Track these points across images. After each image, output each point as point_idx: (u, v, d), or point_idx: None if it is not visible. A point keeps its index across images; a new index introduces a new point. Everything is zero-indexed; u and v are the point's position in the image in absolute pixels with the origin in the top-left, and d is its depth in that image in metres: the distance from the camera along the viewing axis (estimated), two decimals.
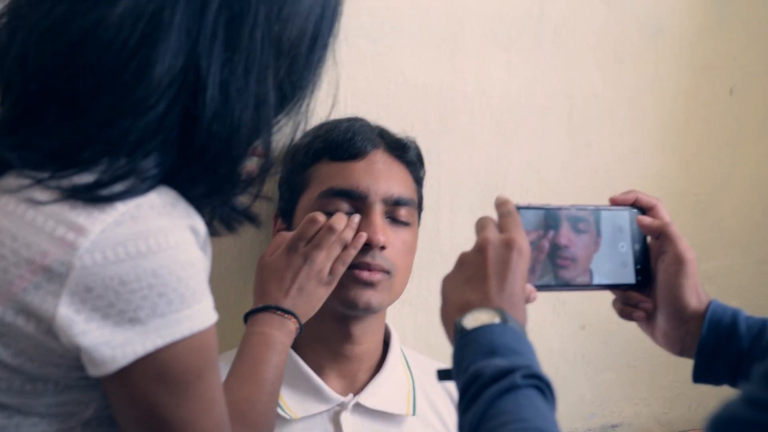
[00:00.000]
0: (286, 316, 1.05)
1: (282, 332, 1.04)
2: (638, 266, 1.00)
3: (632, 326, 1.05)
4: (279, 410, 1.14)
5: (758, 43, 1.59)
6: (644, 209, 1.01)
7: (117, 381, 0.75)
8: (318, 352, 1.20)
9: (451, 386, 1.23)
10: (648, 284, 1.00)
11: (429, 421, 1.24)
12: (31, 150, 0.73)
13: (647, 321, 1.01)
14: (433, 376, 1.22)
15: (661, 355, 1.54)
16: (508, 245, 0.85)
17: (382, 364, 1.24)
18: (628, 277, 1.00)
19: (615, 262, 0.99)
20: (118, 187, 0.73)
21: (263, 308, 1.05)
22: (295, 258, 1.08)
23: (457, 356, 0.81)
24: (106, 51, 0.73)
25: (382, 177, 1.18)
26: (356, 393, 1.20)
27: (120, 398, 0.78)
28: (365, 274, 1.14)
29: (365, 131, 1.21)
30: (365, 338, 1.21)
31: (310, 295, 1.08)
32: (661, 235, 0.98)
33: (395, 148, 1.22)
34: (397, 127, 1.26)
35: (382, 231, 1.14)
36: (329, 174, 1.18)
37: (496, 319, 0.81)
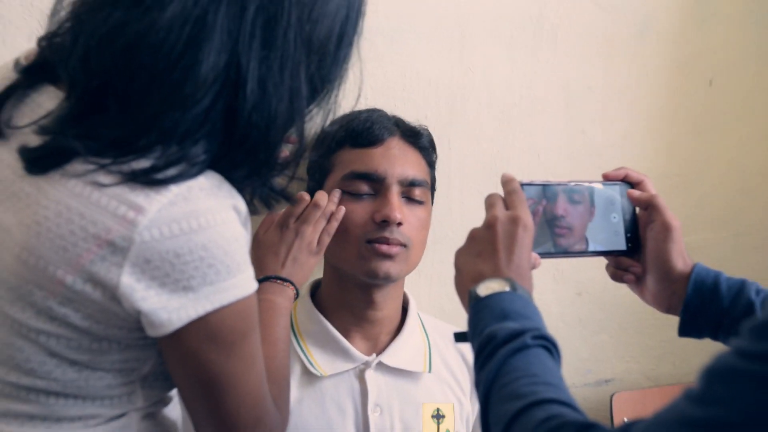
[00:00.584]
0: (285, 284, 1.07)
1: (283, 297, 1.06)
2: (628, 234, 1.00)
3: (624, 293, 1.05)
4: (310, 368, 1.16)
5: (735, 40, 1.58)
6: (633, 184, 1.01)
7: (172, 341, 0.76)
8: (344, 317, 1.21)
9: (463, 347, 1.24)
10: (637, 250, 1.00)
11: (443, 377, 1.24)
12: (94, 139, 0.73)
13: (637, 283, 1.01)
14: (447, 338, 1.24)
15: (649, 318, 1.57)
16: (514, 221, 0.86)
17: (401, 327, 1.24)
18: (620, 244, 1.00)
19: (608, 231, 0.99)
20: (171, 171, 0.74)
21: (265, 279, 1.07)
22: (287, 233, 1.10)
23: (473, 321, 0.81)
24: (158, 52, 0.73)
25: (398, 161, 1.17)
26: (378, 353, 1.20)
27: (174, 356, 0.79)
28: (384, 248, 1.14)
29: (382, 120, 1.21)
30: (386, 304, 1.21)
31: (303, 264, 1.10)
32: (649, 206, 0.98)
33: (409, 136, 1.22)
34: (411, 117, 1.26)
35: (399, 209, 1.14)
36: (351, 159, 1.18)
37: (507, 288, 0.81)
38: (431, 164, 1.25)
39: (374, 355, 1.20)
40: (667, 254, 0.97)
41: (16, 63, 0.82)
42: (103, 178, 0.73)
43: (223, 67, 0.74)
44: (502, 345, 0.75)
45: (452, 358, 1.27)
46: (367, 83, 1.29)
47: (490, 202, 0.90)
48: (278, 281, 1.07)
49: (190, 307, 0.75)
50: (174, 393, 0.88)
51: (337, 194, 1.14)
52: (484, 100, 1.42)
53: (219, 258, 0.75)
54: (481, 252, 0.86)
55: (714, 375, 0.57)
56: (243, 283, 0.78)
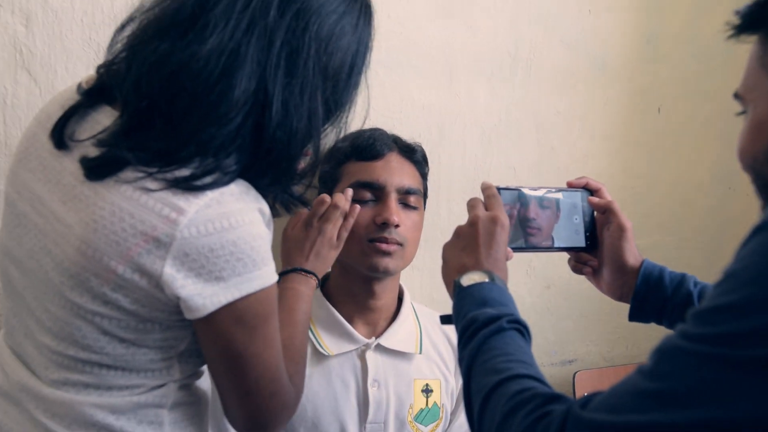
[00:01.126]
0: (308, 275, 1.05)
1: (306, 287, 1.04)
2: (587, 233, 1.01)
3: (586, 286, 1.05)
4: (319, 348, 1.15)
5: (679, 75, 1.59)
6: (592, 191, 1.01)
7: (205, 323, 0.77)
8: (348, 305, 1.20)
9: (449, 330, 1.24)
10: (594, 247, 1.01)
11: (431, 357, 1.24)
12: (143, 151, 0.74)
13: (594, 275, 1.01)
14: (436, 324, 1.23)
15: (606, 308, 1.58)
16: (493, 221, 0.86)
17: (397, 314, 1.24)
18: (580, 241, 1.00)
19: (570, 230, 0.99)
20: (207, 179, 0.74)
21: (291, 270, 1.05)
22: (311, 231, 1.08)
23: (457, 306, 0.82)
24: (197, 78, 0.73)
25: (396, 173, 1.17)
26: (377, 336, 1.20)
27: (207, 336, 0.79)
28: (384, 246, 1.14)
29: (383, 138, 1.20)
30: (384, 295, 1.21)
31: (325, 258, 1.08)
32: (606, 210, 0.99)
33: (406, 151, 1.21)
34: (407, 136, 1.26)
35: (396, 213, 1.14)
36: (356, 171, 1.17)
37: (486, 279, 0.81)
38: (424, 176, 1.24)
39: (374, 338, 1.20)
40: (620, 251, 0.97)
41: (79, 87, 0.82)
42: (151, 184, 0.73)
43: (253, 92, 0.75)
44: (482, 327, 0.75)
45: (439, 340, 1.26)
46: (370, 106, 1.28)
47: (471, 204, 0.90)
48: (302, 273, 1.05)
49: (221, 295, 0.75)
50: (205, 368, 0.88)
51: (350, 192, 1.12)
52: (469, 122, 1.42)
53: (246, 253, 0.75)
54: (464, 247, 0.86)
55: (663, 354, 0.58)
56: (266, 275, 0.78)
